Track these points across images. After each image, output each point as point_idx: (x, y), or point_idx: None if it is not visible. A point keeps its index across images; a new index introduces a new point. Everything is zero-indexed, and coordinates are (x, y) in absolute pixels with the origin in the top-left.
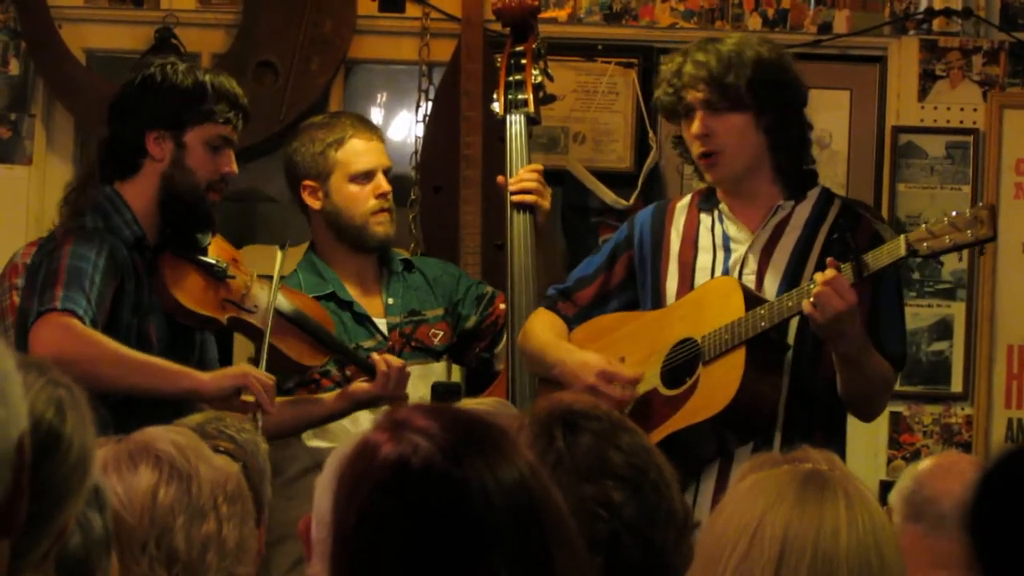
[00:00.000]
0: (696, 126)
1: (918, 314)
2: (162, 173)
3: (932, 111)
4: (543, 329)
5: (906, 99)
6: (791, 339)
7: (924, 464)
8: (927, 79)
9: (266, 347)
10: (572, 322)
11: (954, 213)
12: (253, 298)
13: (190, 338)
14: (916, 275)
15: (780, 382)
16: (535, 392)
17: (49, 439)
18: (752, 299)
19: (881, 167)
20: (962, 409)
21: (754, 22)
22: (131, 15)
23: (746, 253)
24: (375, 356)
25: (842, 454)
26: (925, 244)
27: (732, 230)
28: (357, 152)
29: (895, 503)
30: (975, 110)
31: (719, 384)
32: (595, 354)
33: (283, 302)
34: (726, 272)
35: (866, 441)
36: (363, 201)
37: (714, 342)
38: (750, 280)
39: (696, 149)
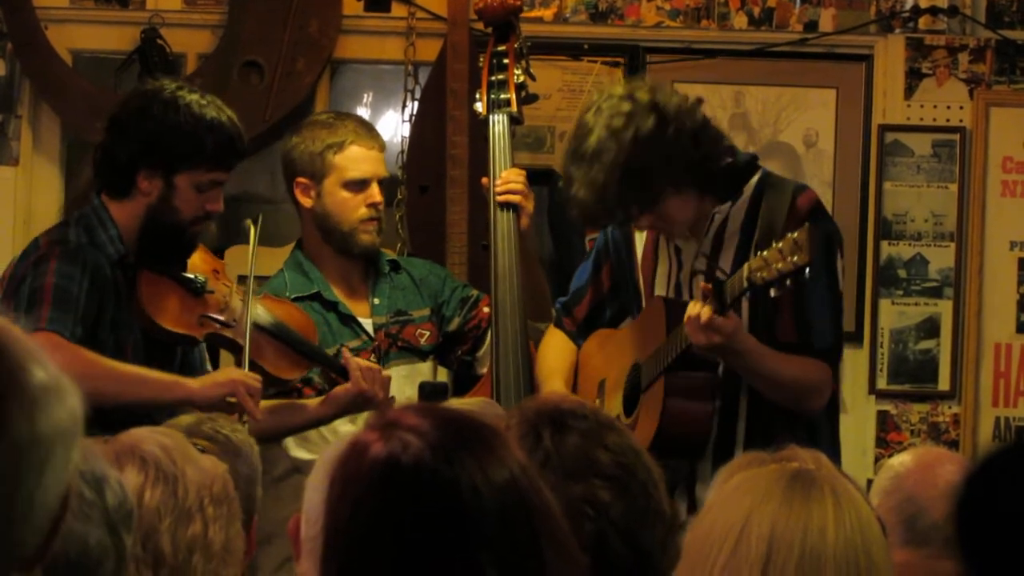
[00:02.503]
0: (639, 223)
1: (905, 312)
2: (148, 205)
3: (919, 109)
4: (549, 359)
5: (892, 97)
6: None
7: (907, 467)
8: (913, 77)
9: (247, 360)
10: (576, 337)
11: (784, 239)
12: (232, 312)
13: (169, 354)
14: (903, 273)
15: (711, 400)
16: (519, 393)
17: None
18: (673, 321)
19: (868, 165)
20: (949, 407)
21: (740, 21)
22: (117, 16)
23: (694, 265)
24: (345, 357)
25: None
26: (759, 274)
27: (681, 240)
28: (355, 159)
29: (885, 516)
30: (961, 108)
31: (648, 416)
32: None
33: (262, 314)
34: (678, 283)
35: (854, 440)
36: (354, 209)
37: (647, 371)
38: (698, 293)
39: None
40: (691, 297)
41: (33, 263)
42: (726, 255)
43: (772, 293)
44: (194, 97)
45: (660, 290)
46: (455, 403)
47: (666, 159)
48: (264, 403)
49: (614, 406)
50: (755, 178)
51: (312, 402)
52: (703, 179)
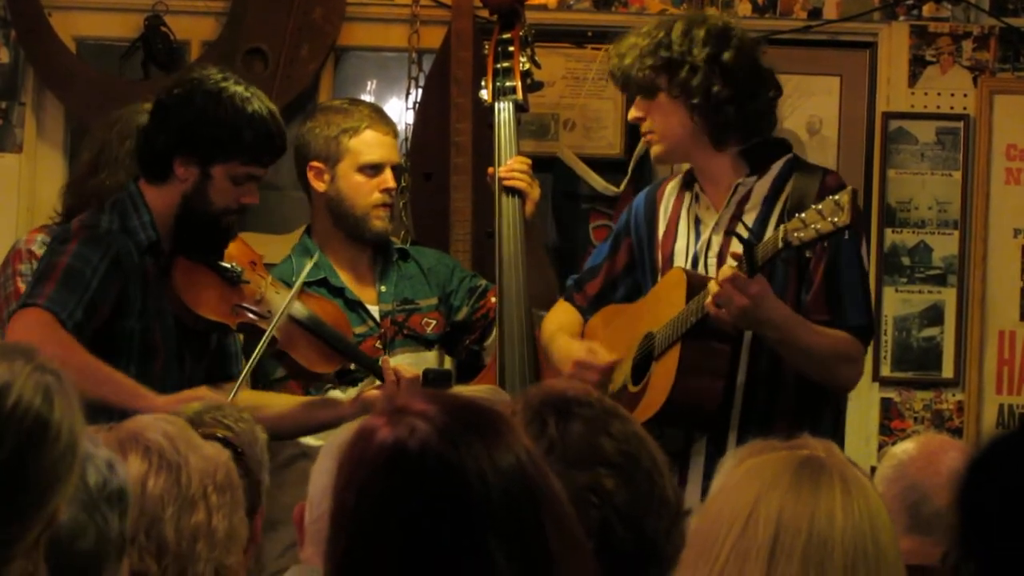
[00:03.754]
0: (632, 111)
1: (909, 300)
2: (183, 193)
3: (922, 97)
4: (552, 321)
5: (896, 85)
6: None
7: (910, 455)
8: (917, 65)
9: (260, 348)
10: (585, 312)
11: (824, 201)
12: (267, 303)
13: (203, 340)
14: (907, 261)
15: (724, 372)
16: (524, 380)
17: (37, 426)
18: (693, 290)
19: (871, 153)
20: (953, 395)
21: (744, 8)
22: (121, 2)
23: (710, 235)
24: (384, 365)
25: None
26: (796, 235)
27: (702, 211)
28: (370, 144)
29: (888, 503)
30: (965, 96)
31: (660, 381)
32: (580, 344)
33: (298, 307)
34: (695, 256)
35: (857, 427)
36: (367, 193)
37: (663, 337)
38: (712, 263)
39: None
40: (706, 269)
41: (58, 242)
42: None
43: (807, 255)
44: (238, 89)
45: (678, 263)
46: (464, 390)
47: (694, 71)
48: (293, 398)
49: (621, 375)
50: (784, 158)
51: (342, 400)
52: (716, 121)
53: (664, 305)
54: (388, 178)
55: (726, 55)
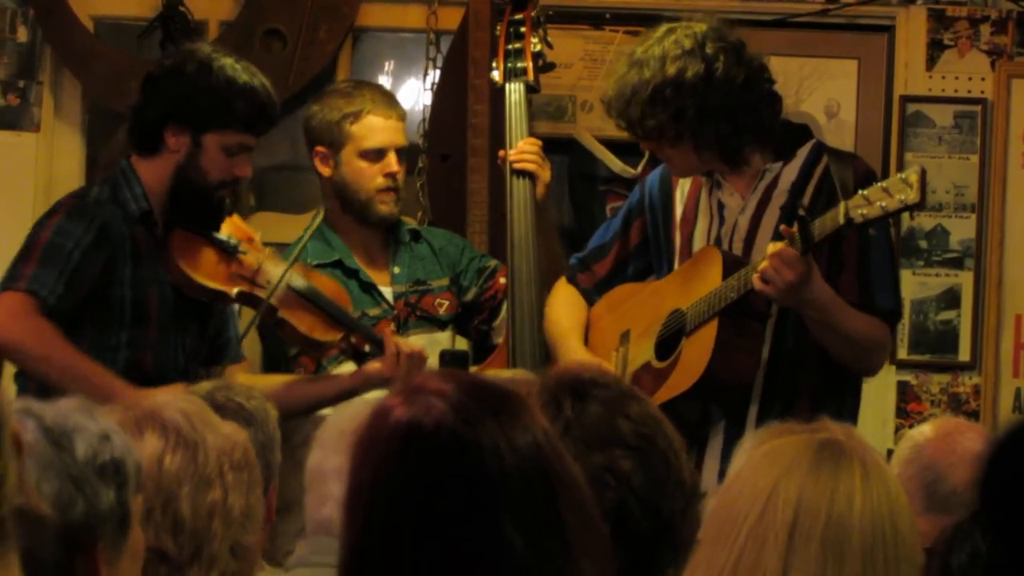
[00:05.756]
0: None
1: (926, 283)
2: (176, 164)
3: (940, 80)
4: (560, 315)
5: (914, 68)
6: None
7: (927, 436)
8: (935, 48)
9: (259, 313)
10: (591, 294)
11: (890, 178)
12: (265, 274)
13: (202, 314)
14: (924, 244)
15: (758, 350)
16: (535, 363)
17: None
18: (730, 268)
19: (889, 136)
20: (970, 378)
21: None
22: None
23: (737, 219)
24: (385, 334)
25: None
26: (860, 211)
27: (725, 196)
28: (372, 129)
29: (905, 484)
30: (983, 79)
31: (695, 356)
32: (586, 353)
33: (297, 279)
34: (719, 239)
35: (874, 410)
36: (370, 178)
37: (695, 313)
38: (739, 248)
39: None
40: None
41: (45, 216)
42: (770, 214)
43: (871, 232)
44: (228, 61)
45: (699, 245)
46: (491, 374)
47: (692, 113)
48: (291, 376)
49: (642, 352)
50: (809, 144)
51: (343, 374)
52: (725, 153)
53: (697, 283)
54: (391, 162)
55: (722, 95)
